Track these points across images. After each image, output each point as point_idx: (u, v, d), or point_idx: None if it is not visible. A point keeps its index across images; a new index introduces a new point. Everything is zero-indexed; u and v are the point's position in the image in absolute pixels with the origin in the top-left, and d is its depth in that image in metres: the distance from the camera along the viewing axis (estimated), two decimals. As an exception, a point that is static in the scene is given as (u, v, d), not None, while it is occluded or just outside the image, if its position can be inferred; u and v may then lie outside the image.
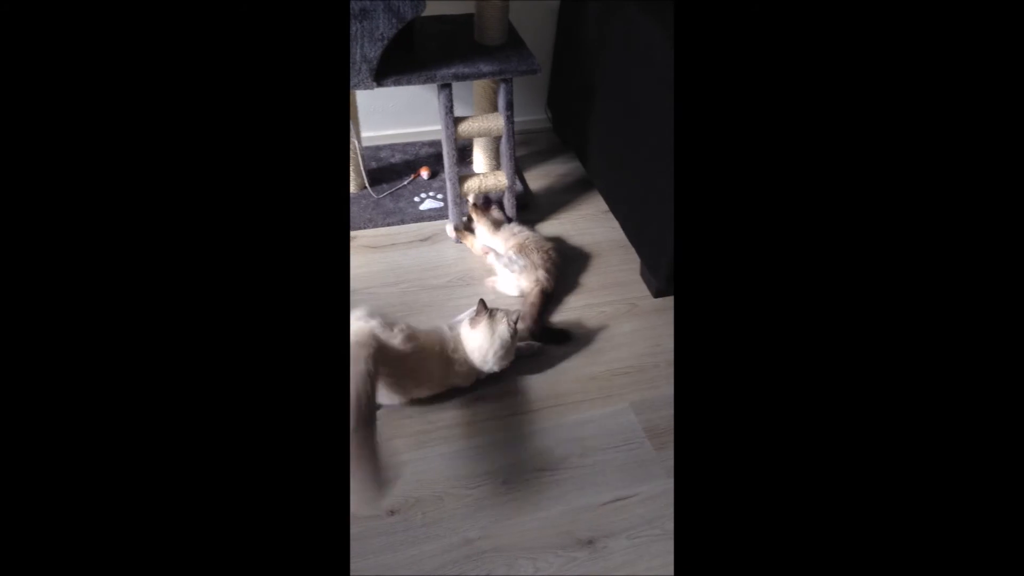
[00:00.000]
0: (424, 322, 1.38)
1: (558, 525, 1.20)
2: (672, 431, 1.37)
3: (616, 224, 1.85)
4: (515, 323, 1.34)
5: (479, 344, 1.31)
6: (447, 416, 1.36)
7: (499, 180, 1.76)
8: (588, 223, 1.92)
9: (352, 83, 1.49)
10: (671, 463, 1.31)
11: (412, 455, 1.29)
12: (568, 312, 1.63)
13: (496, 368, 1.35)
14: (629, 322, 1.62)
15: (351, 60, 1.45)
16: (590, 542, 1.17)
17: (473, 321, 1.32)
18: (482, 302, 1.33)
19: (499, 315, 1.33)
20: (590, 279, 1.74)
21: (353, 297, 1.62)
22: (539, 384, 1.45)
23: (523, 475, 1.27)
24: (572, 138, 2.06)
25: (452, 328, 1.38)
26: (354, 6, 1.36)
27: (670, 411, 1.41)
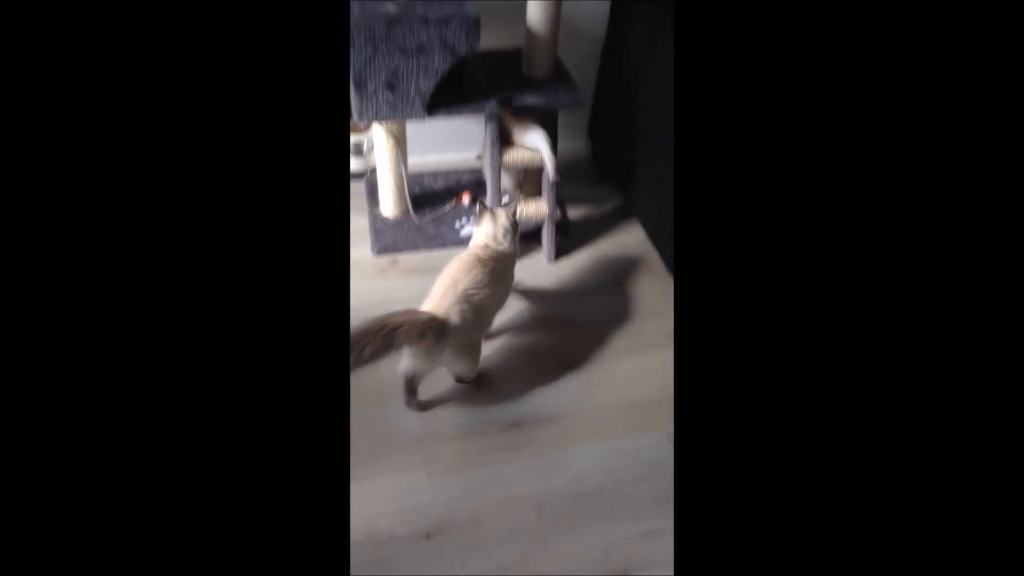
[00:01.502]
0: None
1: (592, 555, 1.21)
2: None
3: (655, 254, 1.87)
4: (514, 213, 1.58)
5: (487, 231, 1.54)
6: (483, 441, 1.39)
7: (540, 208, 1.80)
8: (626, 252, 1.94)
9: (404, 114, 1.55)
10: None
11: (449, 479, 1.31)
12: (605, 341, 1.65)
13: (509, 247, 1.53)
14: (667, 352, 1.63)
15: (405, 94, 1.51)
16: (625, 574, 1.18)
17: (477, 221, 1.56)
18: (482, 204, 1.56)
19: (498, 210, 1.57)
20: (628, 308, 1.75)
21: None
22: (575, 412, 1.47)
23: (558, 502, 1.29)
24: (612, 168, 2.09)
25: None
26: (411, 42, 1.42)
27: (706, 445, 1.41)
